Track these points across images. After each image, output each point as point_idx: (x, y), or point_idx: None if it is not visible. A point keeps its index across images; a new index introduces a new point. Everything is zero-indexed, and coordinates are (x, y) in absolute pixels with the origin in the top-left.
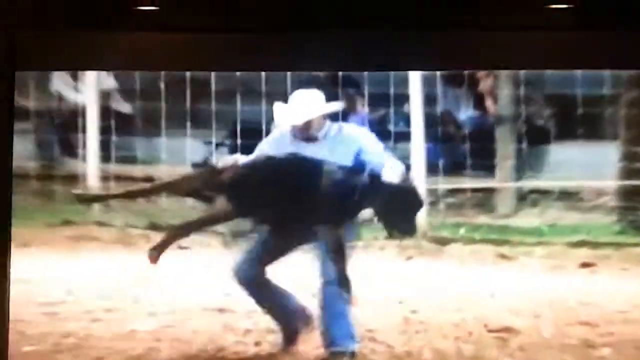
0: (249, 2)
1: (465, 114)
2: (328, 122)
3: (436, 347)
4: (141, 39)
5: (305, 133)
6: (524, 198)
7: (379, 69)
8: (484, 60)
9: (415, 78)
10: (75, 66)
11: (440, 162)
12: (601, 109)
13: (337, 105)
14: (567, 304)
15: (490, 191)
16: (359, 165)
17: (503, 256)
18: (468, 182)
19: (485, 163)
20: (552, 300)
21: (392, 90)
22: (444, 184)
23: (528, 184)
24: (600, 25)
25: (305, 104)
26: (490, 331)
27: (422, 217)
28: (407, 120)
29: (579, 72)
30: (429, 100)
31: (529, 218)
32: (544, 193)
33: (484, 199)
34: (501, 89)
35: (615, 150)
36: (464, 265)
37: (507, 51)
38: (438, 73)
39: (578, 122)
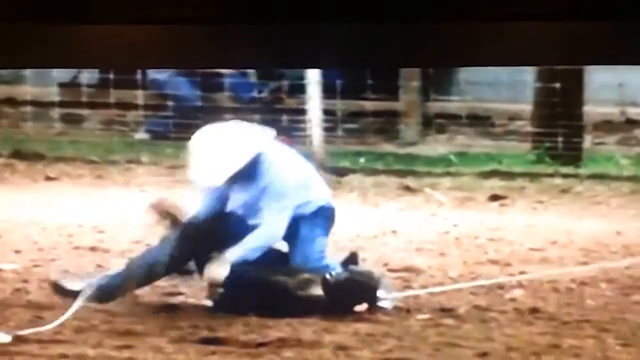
0: None
1: None
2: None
3: None
4: (105, 33)
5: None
6: (430, 123)
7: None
8: (482, 53)
9: None
10: (29, 62)
11: (338, 83)
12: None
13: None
14: (476, 241)
15: (393, 115)
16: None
17: (407, 188)
18: (369, 106)
19: (387, 83)
20: (460, 237)
21: None
22: (342, 107)
23: (435, 107)
24: (604, 14)
25: (219, 160)
26: (391, 271)
27: (318, 145)
28: None
29: None
30: None
31: (435, 146)
32: (452, 118)
33: (387, 125)
34: None
35: (530, 69)
36: (364, 198)
37: (504, 43)
38: None
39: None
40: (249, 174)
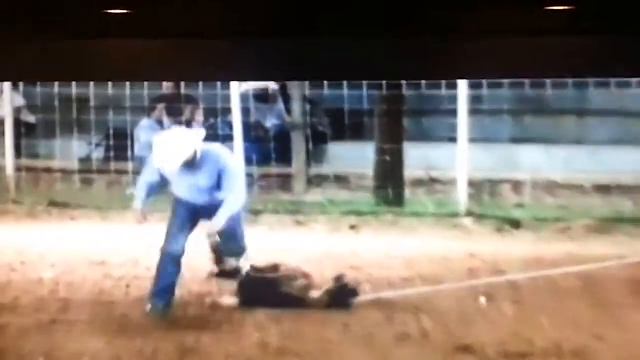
0: (231, 8)
1: (271, 122)
2: (199, 149)
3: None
4: (112, 46)
5: (189, 165)
6: (312, 181)
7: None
8: (482, 67)
9: (235, 95)
10: (37, 77)
11: (254, 157)
12: (362, 118)
13: (201, 133)
14: (341, 255)
15: (289, 177)
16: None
17: (298, 223)
18: (274, 171)
19: (285, 157)
20: (331, 253)
21: (219, 105)
22: (257, 172)
23: (314, 171)
24: (602, 29)
25: (175, 146)
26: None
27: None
28: (230, 127)
29: (345, 93)
30: (245, 112)
31: (315, 196)
32: (325, 178)
33: (285, 183)
34: (294, 105)
35: (372, 147)
36: (272, 230)
37: (505, 57)
38: (252, 92)
39: (347, 128)
40: (200, 161)
